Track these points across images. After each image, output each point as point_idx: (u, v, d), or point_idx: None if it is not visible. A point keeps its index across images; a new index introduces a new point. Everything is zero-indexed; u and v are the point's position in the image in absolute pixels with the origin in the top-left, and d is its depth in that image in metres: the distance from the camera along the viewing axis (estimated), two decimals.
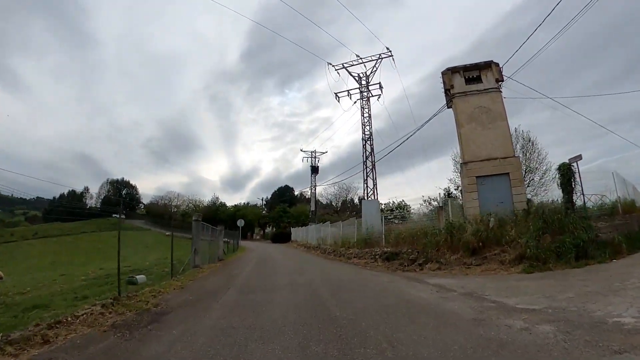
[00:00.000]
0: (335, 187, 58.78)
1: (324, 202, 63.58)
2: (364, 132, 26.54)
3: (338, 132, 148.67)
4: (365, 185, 24.89)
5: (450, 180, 31.77)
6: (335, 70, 29.48)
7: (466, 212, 16.71)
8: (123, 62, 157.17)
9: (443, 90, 22.64)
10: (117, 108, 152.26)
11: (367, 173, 24.88)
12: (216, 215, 68.05)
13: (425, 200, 29.06)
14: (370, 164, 24.98)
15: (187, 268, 13.99)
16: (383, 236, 18.99)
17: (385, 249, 17.23)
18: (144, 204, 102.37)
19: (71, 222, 70.38)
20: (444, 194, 29.74)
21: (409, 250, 15.15)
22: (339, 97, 29.89)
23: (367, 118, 27.10)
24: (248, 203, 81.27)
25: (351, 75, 28.98)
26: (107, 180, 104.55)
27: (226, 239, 34.01)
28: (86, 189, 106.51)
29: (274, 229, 63.44)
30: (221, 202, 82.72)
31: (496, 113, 18.54)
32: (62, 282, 19.62)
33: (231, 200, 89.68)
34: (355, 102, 29.18)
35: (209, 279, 12.19)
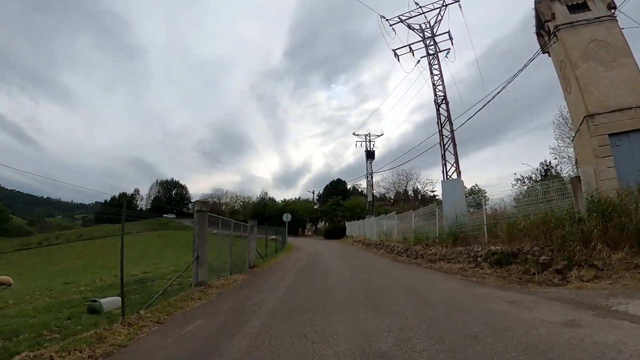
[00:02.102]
0: (394, 174, 52.00)
1: (380, 193, 57.09)
2: (435, 95, 20.19)
3: (396, 108, 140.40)
4: (443, 160, 18.56)
5: (552, 149, 24.76)
6: (390, 25, 23.30)
7: (598, 186, 12.18)
8: (170, 69, 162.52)
9: (535, 31, 18.99)
10: (167, 114, 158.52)
11: (444, 146, 18.67)
12: (264, 211, 64.20)
13: (517, 180, 22.31)
14: (449, 133, 18.77)
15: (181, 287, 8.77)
16: (485, 228, 12.74)
17: (492, 247, 11.21)
18: (189, 203, 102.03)
19: (119, 224, 69.24)
20: (542, 169, 22.77)
21: (535, 248, 9.81)
22: (398, 55, 23.64)
23: (439, 77, 20.70)
24: (299, 198, 76.77)
25: (411, 28, 22.68)
26: (157, 181, 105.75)
27: (274, 237, 29.51)
28: (136, 191, 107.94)
29: (327, 224, 58.09)
30: (270, 198, 78.96)
31: (617, 48, 14.60)
32: (57, 292, 15.96)
33: (283, 196, 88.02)
34: (419, 61, 22.86)
35: (184, 324, 5.99)
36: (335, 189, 67.16)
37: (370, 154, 44.09)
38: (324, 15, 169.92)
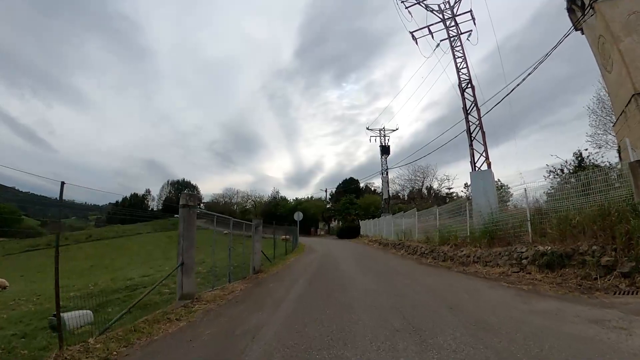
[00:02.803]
0: (409, 170, 49.70)
1: (395, 191, 54.84)
2: (460, 78, 18.21)
3: (409, 105, 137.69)
4: (471, 150, 16.56)
5: (590, 137, 22.58)
6: (406, 8, 21.41)
7: None
8: (180, 70, 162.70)
9: (566, 6, 17.88)
10: (179, 114, 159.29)
11: (471, 134, 16.71)
12: (276, 210, 62.65)
13: (550, 172, 20.18)
14: (476, 121, 16.78)
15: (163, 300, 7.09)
16: (529, 225, 10.80)
17: (540, 248, 9.40)
18: (203, 203, 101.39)
19: (131, 224, 69.25)
20: (574, 160, 20.59)
21: (594, 247, 8.26)
22: (416, 39, 21.67)
23: (462, 59, 18.71)
24: (311, 197, 74.89)
25: (429, 10, 20.74)
26: (168, 181, 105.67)
27: (285, 236, 27.93)
28: (148, 191, 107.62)
29: (340, 223, 56.19)
30: (282, 197, 77.20)
31: None
32: (46, 297, 14.64)
33: (295, 196, 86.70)
34: (439, 44, 20.87)
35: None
36: (348, 188, 65.24)
37: (385, 149, 42.07)
38: (333, 13, 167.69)
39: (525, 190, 11.45)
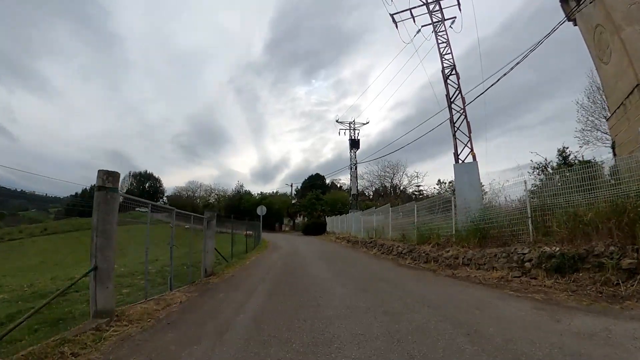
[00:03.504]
0: (379, 165, 48.31)
1: (363, 186, 53.36)
2: (443, 64, 16.71)
3: (379, 102, 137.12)
4: (454, 140, 15.05)
5: (579, 131, 21.84)
6: None
7: None
8: (149, 60, 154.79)
9: None
10: (145, 105, 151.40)
11: (454, 124, 15.24)
12: (240, 205, 60.03)
13: (535, 168, 19.15)
14: (460, 109, 15.31)
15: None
16: (530, 222, 9.32)
17: (547, 249, 8.17)
18: (164, 196, 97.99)
19: (90, 217, 64.65)
20: (559, 158, 19.69)
21: (611, 247, 7.08)
22: (396, 22, 20.01)
23: (445, 45, 17.23)
24: (277, 192, 72.57)
25: None
26: (130, 173, 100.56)
27: (248, 232, 25.78)
28: None
29: (306, 219, 54.33)
30: (246, 191, 74.49)
31: None
32: None
33: (261, 191, 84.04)
34: (419, 31, 19.30)
35: None
36: (314, 184, 63.47)
37: (354, 143, 40.44)
38: (306, 9, 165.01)
39: (525, 182, 9.95)
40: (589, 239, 7.69)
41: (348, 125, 40.83)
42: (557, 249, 7.95)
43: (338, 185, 68.80)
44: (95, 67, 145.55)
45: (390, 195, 45.62)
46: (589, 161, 14.69)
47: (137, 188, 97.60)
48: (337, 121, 41.13)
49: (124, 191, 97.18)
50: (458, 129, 15.34)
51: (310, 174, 72.72)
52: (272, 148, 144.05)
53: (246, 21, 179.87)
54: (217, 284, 9.43)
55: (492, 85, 14.51)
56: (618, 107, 13.30)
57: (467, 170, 13.95)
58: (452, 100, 15.97)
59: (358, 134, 40.92)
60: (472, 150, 14.55)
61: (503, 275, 8.68)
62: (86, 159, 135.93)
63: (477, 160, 14.32)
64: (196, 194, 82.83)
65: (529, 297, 6.61)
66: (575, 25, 16.20)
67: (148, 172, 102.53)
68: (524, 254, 8.61)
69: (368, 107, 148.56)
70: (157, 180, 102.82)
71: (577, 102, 23.21)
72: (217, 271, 11.66)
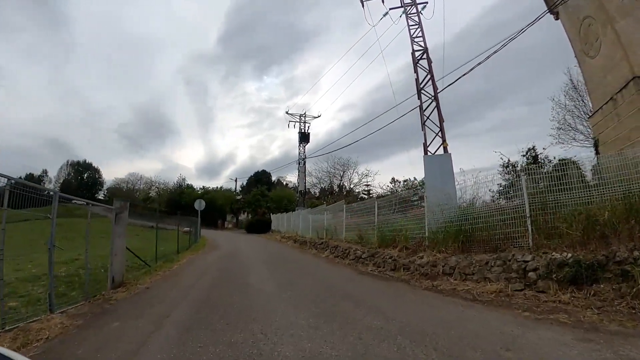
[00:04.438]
0: (329, 162, 46.13)
1: (311, 183, 51.05)
2: (413, 47, 14.85)
3: (330, 99, 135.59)
4: (424, 129, 13.20)
5: (558, 130, 21.02)
6: None
7: None
8: (98, 43, 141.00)
9: None
10: (90, 91, 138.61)
11: (424, 114, 13.42)
12: (181, 199, 55.55)
13: (504, 167, 17.87)
14: (430, 96, 13.54)
15: None
16: (529, 222, 7.51)
17: (557, 255, 6.47)
18: (103, 188, 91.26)
19: (23, 209, 56.70)
20: (528, 158, 18.65)
21: (635, 252, 5.67)
22: (363, 2, 18.00)
23: (417, 27, 15.41)
24: (221, 187, 68.40)
25: None
26: (67, 162, 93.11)
27: (188, 228, 23.02)
28: (44, 172, 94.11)
29: (250, 216, 51.25)
30: (188, 185, 69.80)
31: None
32: None
33: (206, 186, 79.37)
34: (387, 13, 17.39)
35: None
36: (260, 181, 60.47)
37: (304, 137, 38.09)
38: (264, 3, 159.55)
39: (523, 175, 8.16)
40: (606, 243, 6.38)
41: (298, 117, 38.49)
42: (569, 255, 6.35)
43: (284, 183, 66.27)
44: (41, 47, 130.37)
45: (337, 194, 43.76)
46: (569, 159, 13.48)
47: (75, 178, 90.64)
48: (287, 112, 38.66)
49: (61, 181, 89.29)
50: (428, 117, 13.53)
51: (256, 171, 69.62)
52: (219, 143, 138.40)
53: (202, 10, 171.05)
54: (120, 303, 6.71)
55: (469, 71, 12.87)
56: (606, 103, 12.18)
57: (439, 163, 12.14)
58: (422, 86, 14.14)
59: (309, 127, 38.72)
60: (444, 140, 12.77)
61: (500, 289, 6.82)
62: (26, 146, 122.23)
63: (449, 152, 12.56)
64: (136, 187, 78.15)
65: (552, 321, 4.95)
66: (557, 19, 15.14)
67: (87, 161, 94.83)
68: (526, 261, 6.83)
69: (318, 106, 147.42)
70: (97, 170, 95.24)
71: (553, 99, 22.28)
72: (131, 279, 8.87)
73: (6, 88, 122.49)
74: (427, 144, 13.00)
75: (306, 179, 40.43)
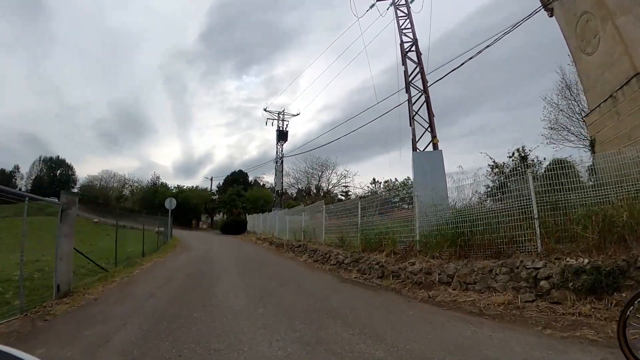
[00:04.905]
0: (307, 162, 44.60)
1: (288, 183, 49.47)
2: (402, 38, 13.92)
3: (309, 99, 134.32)
4: (412, 124, 12.29)
5: (550, 129, 20.44)
6: None
7: None
8: (75, 36, 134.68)
9: None
10: (66, 86, 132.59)
11: (412, 108, 12.52)
12: (155, 198, 53.30)
13: (492, 167, 17.15)
14: (420, 90, 12.67)
15: None
16: (538, 224, 6.64)
17: (571, 261, 5.89)
18: (75, 185, 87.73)
19: None
20: (516, 159, 17.99)
21: None
22: None
23: (405, 18, 14.52)
24: (197, 187, 66.01)
25: None
26: (40, 157, 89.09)
27: (161, 229, 22.13)
28: (16, 168, 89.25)
29: (225, 217, 49.56)
30: (162, 183, 67.19)
31: None
32: None
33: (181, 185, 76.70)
34: (373, 5, 16.47)
35: None
36: (237, 181, 58.70)
37: (282, 135, 36.88)
38: (247, 1, 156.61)
39: (529, 171, 7.28)
40: (625, 247, 5.74)
41: (277, 115, 37.26)
42: (586, 261, 5.58)
43: (262, 183, 64.64)
44: (18, 38, 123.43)
45: (314, 195, 42.56)
46: (564, 160, 12.81)
47: (47, 175, 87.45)
48: (265, 110, 37.38)
49: (33, 177, 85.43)
50: (417, 112, 12.63)
51: (233, 170, 67.78)
52: (197, 142, 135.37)
53: (183, 7, 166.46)
54: (56, 320, 5.48)
55: (459, 65, 12.05)
56: (604, 101, 11.55)
57: (429, 159, 11.24)
58: (411, 79, 13.23)
59: (287, 125, 37.54)
60: (434, 136, 11.88)
61: (509, 300, 5.95)
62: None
63: (440, 149, 11.68)
64: (109, 185, 73.86)
65: (581, 339, 4.21)
66: (551, 16, 14.53)
67: (60, 157, 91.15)
68: (537, 268, 5.99)
69: (297, 105, 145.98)
70: (70, 167, 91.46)
71: (544, 98, 21.58)
72: (81, 288, 7.54)
73: None
74: (417, 140, 12.07)
75: (284, 179, 39.23)
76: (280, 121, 37.27)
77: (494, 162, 16.15)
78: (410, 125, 12.62)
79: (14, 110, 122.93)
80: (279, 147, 36.81)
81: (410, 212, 10.12)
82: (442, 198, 9.85)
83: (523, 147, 17.81)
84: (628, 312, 3.05)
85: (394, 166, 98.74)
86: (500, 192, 8.76)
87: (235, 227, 40.41)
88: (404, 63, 13.71)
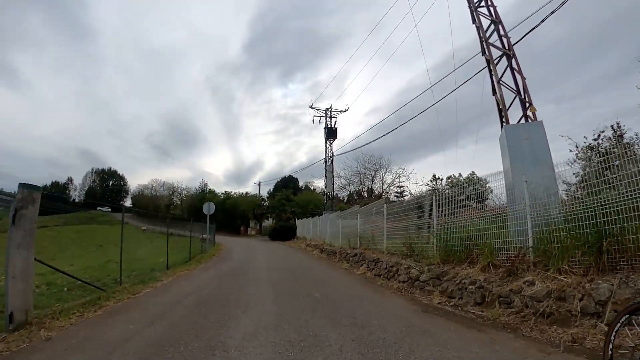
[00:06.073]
0: (359, 161, 41.30)
1: (339, 186, 46.61)
2: None
3: (355, 104, 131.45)
4: (496, 91, 9.24)
5: None
6: None
7: None
8: (122, 55, 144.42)
9: None
10: (117, 102, 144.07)
11: (493, 66, 9.52)
12: (202, 205, 52.81)
13: (588, 148, 13.56)
14: (504, 47, 9.68)
15: None
16: None
17: None
18: (127, 195, 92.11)
19: (49, 215, 56.05)
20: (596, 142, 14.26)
21: None
22: None
23: None
24: (247, 193, 65.08)
25: None
26: (92, 169, 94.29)
27: (206, 235, 21.58)
28: (70, 180, 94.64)
29: (274, 222, 47.84)
30: (210, 190, 67.08)
31: None
32: None
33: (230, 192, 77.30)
34: None
35: None
36: (287, 187, 56.94)
37: (331, 132, 34.26)
38: (286, 10, 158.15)
39: None
40: None
41: (324, 112, 34.82)
42: None
43: (312, 188, 62.52)
44: (67, 61, 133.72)
45: (366, 198, 39.42)
46: None
47: (99, 186, 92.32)
48: (311, 107, 35.05)
49: (86, 189, 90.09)
50: (502, 76, 9.55)
51: (283, 176, 66.34)
52: (246, 150, 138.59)
53: (223, 20, 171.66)
54: None
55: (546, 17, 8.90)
56: None
57: (527, 133, 8.16)
58: (488, 37, 10.19)
59: (335, 122, 34.95)
60: (530, 104, 8.76)
61: None
62: (55, 156, 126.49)
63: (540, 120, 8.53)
64: (158, 193, 75.20)
65: None
66: None
67: (112, 169, 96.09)
68: None
69: (343, 107, 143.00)
70: (122, 178, 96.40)
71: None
72: (49, 316, 5.40)
73: (35, 100, 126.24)
74: (507, 107, 8.98)
75: (335, 180, 36.65)
76: (328, 118, 34.75)
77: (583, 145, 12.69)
78: (494, 93, 9.58)
79: (68, 127, 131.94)
80: (327, 145, 34.27)
81: (513, 208, 7.14)
82: (545, 187, 6.85)
83: (618, 124, 14.05)
84: (614, 330, 3.04)
85: (449, 165, 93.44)
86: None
87: (284, 232, 38.39)
88: (475, 20, 10.71)
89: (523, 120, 9.04)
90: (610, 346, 3.03)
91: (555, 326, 4.82)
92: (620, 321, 3.03)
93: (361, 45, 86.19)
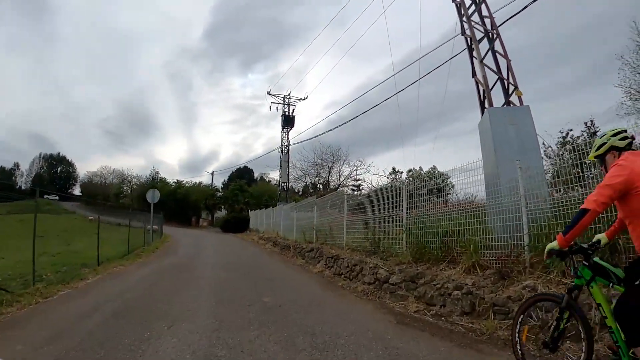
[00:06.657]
0: (315, 152, 40.00)
1: (295, 177, 45.07)
2: None
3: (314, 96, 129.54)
4: (481, 69, 8.30)
5: (628, 95, 16.12)
6: None
7: None
8: (80, 36, 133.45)
9: None
10: (72, 85, 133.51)
11: (475, 44, 8.63)
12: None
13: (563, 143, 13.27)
14: (489, 28, 8.75)
15: None
16: None
17: None
18: (76, 182, 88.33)
19: None
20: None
21: None
22: None
23: None
24: (200, 183, 62.01)
25: None
26: (40, 155, 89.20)
27: (155, 227, 21.28)
28: (16, 165, 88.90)
29: (227, 213, 45.73)
30: (161, 178, 63.60)
31: None
32: None
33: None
34: None
35: None
36: (242, 178, 54.79)
37: (288, 120, 32.81)
38: None
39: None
40: None
41: (282, 98, 33.24)
42: None
43: (267, 180, 60.72)
44: (21, 38, 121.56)
45: (321, 191, 38.27)
46: None
47: (47, 172, 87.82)
48: (269, 93, 33.36)
49: (33, 175, 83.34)
50: (484, 57, 8.61)
51: (238, 167, 64.05)
52: (202, 140, 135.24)
53: (187, 4, 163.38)
54: None
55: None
56: None
57: (512, 117, 7.24)
58: (470, 14, 9.21)
59: (293, 110, 33.49)
60: (516, 87, 7.88)
61: None
62: (6, 140, 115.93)
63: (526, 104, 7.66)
64: (107, 181, 72.16)
65: None
66: None
67: (61, 154, 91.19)
68: None
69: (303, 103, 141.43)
70: (71, 164, 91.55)
71: (621, 57, 16.83)
72: None
73: None
74: (490, 88, 8.02)
75: (290, 171, 35.22)
76: (286, 106, 33.22)
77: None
78: (474, 75, 8.62)
79: (19, 109, 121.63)
80: (284, 134, 32.81)
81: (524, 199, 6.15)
82: (536, 177, 5.98)
83: (592, 122, 13.92)
84: (519, 319, 3.20)
85: (407, 162, 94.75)
86: None
87: (236, 224, 36.63)
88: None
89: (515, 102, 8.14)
90: (519, 347, 3.15)
91: (568, 342, 3.81)
92: (519, 322, 3.20)
93: (321, 37, 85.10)
